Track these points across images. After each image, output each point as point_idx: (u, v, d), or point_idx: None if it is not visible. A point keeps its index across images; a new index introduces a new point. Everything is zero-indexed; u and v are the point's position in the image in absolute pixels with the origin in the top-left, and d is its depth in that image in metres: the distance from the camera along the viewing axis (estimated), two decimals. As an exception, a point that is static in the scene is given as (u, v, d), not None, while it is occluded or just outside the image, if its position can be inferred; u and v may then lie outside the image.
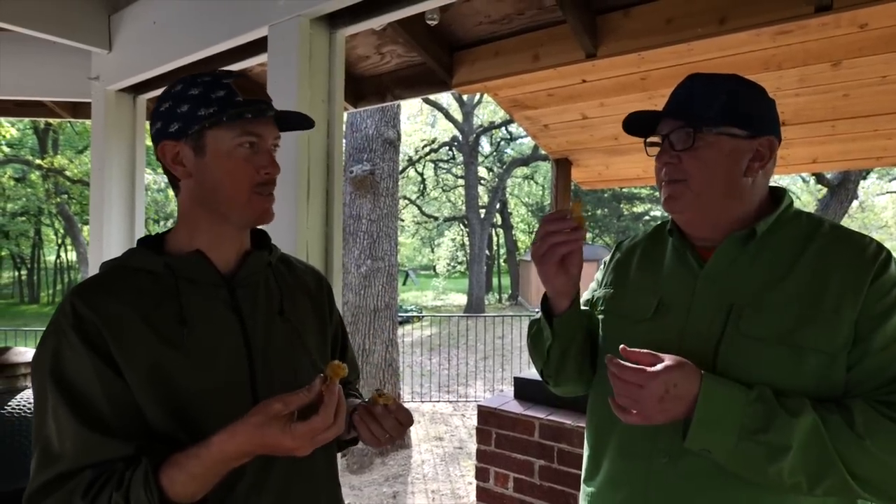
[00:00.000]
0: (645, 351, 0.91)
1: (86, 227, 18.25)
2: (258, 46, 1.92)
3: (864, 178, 14.40)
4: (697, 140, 0.95)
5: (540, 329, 1.12)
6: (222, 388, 0.86)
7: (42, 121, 14.83)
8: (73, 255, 25.43)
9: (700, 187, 0.96)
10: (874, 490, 0.82)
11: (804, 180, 16.55)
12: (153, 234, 0.98)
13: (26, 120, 14.17)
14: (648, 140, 1.05)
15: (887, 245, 0.94)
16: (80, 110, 3.27)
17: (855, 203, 15.47)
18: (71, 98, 2.93)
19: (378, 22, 1.77)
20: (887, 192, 21.24)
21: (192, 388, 0.84)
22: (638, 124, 1.05)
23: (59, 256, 29.08)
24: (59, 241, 28.01)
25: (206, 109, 0.87)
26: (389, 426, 0.96)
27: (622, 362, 0.91)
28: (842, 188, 9.80)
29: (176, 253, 0.93)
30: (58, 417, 0.79)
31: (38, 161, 16.25)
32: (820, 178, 10.50)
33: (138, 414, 0.82)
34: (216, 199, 0.91)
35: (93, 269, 2.65)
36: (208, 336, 0.88)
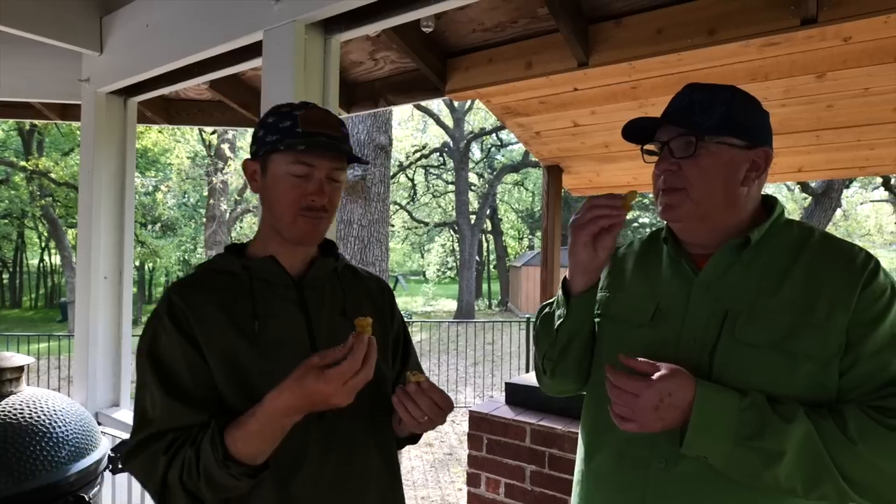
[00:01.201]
0: (643, 360, 0.92)
1: (70, 231, 18.01)
2: (253, 51, 1.92)
3: (847, 187, 14.66)
4: (699, 148, 0.96)
5: (551, 312, 1.13)
6: (286, 376, 0.92)
7: (27, 122, 14.64)
8: (57, 259, 25.03)
9: (699, 196, 0.97)
10: (868, 493, 0.84)
11: (789, 189, 16.78)
12: (240, 242, 1.14)
13: (10, 121, 13.99)
14: (645, 147, 1.06)
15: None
16: (69, 112, 3.24)
17: (839, 211, 15.72)
18: (60, 100, 2.90)
19: (373, 28, 1.78)
20: (870, 201, 21.59)
21: (260, 373, 0.96)
22: (635, 131, 1.05)
23: (42, 260, 28.65)
24: (43, 244, 27.61)
25: (273, 136, 1.01)
26: (425, 405, 0.98)
27: (618, 371, 0.93)
28: (826, 197, 9.96)
29: (253, 257, 1.07)
30: (151, 390, 0.95)
31: (22, 163, 16.02)
32: (805, 187, 10.67)
33: (215, 390, 0.96)
34: (273, 215, 1.04)
35: (78, 274, 2.64)
36: (277, 329, 1.01)
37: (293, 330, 1.02)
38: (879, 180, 14.22)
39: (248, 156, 1.08)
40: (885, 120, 2.81)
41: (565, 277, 1.11)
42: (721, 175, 0.97)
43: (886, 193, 16.65)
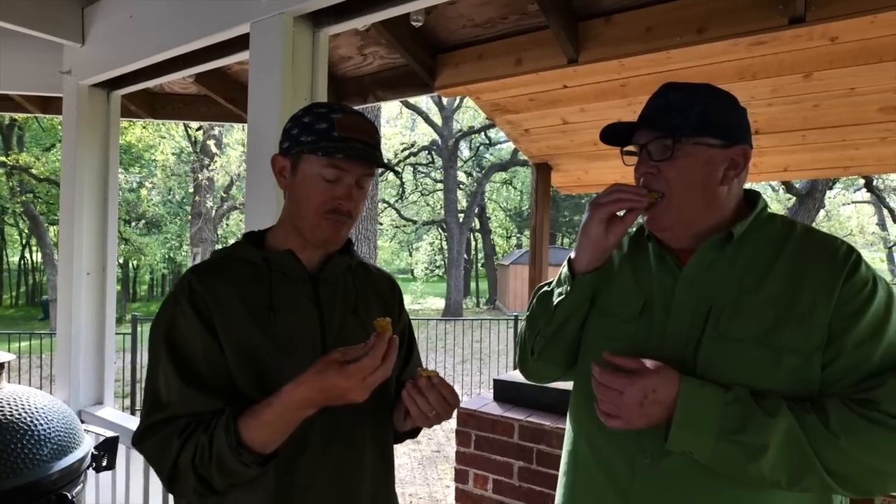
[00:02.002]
0: (628, 358, 0.93)
1: (52, 228, 17.72)
2: (239, 44, 1.90)
3: (831, 187, 14.88)
4: (676, 150, 0.97)
5: (550, 291, 1.12)
6: (298, 370, 0.93)
7: (7, 116, 14.36)
8: (38, 257, 24.63)
9: (679, 198, 0.98)
10: (850, 485, 0.85)
11: (773, 189, 17.00)
12: (258, 231, 1.14)
13: (-9, 115, 13.74)
14: (625, 149, 1.07)
15: (854, 251, 0.96)
16: (50, 105, 3.18)
17: (822, 212, 15.96)
18: (41, 92, 2.83)
19: (362, 22, 1.76)
20: (852, 202, 21.96)
21: (272, 365, 0.98)
22: (614, 134, 1.06)
23: (23, 257, 28.15)
24: (24, 241, 27.13)
25: (308, 137, 1.01)
26: (434, 399, 1.00)
27: (603, 369, 0.93)
28: (809, 197, 10.11)
29: (273, 249, 1.08)
30: (166, 373, 0.96)
31: (1, 158, 15.71)
32: (789, 188, 10.81)
33: (230, 377, 0.98)
34: (298, 214, 1.05)
35: (60, 270, 2.59)
36: (291, 323, 1.03)
37: (306, 325, 1.04)
38: (862, 181, 14.47)
39: (278, 151, 1.09)
40: (869, 120, 2.85)
41: (570, 256, 1.10)
42: (699, 175, 0.97)
43: (868, 194, 16.95)
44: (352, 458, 1.06)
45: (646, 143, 1.00)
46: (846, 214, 21.19)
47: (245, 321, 0.99)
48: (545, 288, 1.16)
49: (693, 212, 0.99)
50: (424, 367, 1.07)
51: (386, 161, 1.08)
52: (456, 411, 2.60)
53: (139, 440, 0.97)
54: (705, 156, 0.97)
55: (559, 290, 1.10)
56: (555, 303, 1.09)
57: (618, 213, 1.02)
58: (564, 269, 1.10)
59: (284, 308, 1.03)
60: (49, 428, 1.69)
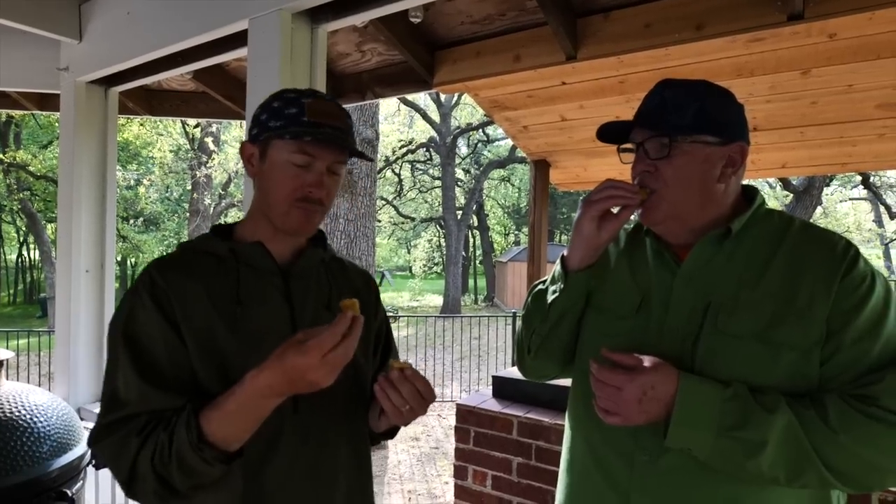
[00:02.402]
0: (626, 354, 0.93)
1: (50, 225, 17.65)
2: (238, 40, 1.89)
3: (828, 184, 14.91)
4: (673, 149, 0.96)
5: (545, 289, 1.12)
6: None
7: (4, 113, 14.30)
8: (36, 254, 24.58)
9: (675, 196, 0.97)
10: (849, 481, 0.85)
11: (771, 186, 17.02)
12: (226, 223, 1.10)
13: (-12, 112, 13.68)
14: (622, 147, 1.06)
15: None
16: (47, 102, 3.17)
17: (819, 209, 15.99)
18: (38, 89, 2.83)
19: (360, 18, 1.76)
20: (849, 199, 22.01)
21: (237, 361, 0.93)
22: (611, 132, 1.06)
23: (20, 255, 28.08)
24: (21, 239, 27.05)
25: (276, 122, 0.98)
26: (407, 392, 0.95)
27: (601, 365, 0.93)
28: (807, 194, 10.14)
29: (241, 241, 1.04)
30: (125, 369, 0.91)
31: (-1, 155, 15.66)
32: (786, 185, 10.84)
33: (192, 374, 0.93)
34: (267, 202, 1.01)
35: (58, 268, 2.59)
36: (259, 318, 0.98)
37: (276, 319, 0.99)
38: (859, 178, 14.48)
39: (246, 138, 1.05)
40: (867, 117, 2.85)
41: (563, 254, 1.10)
42: (697, 174, 0.97)
43: (865, 191, 16.98)
44: (325, 459, 1.02)
45: (642, 141, 1.00)
46: (843, 211, 21.24)
47: (210, 315, 0.95)
48: (540, 286, 1.15)
49: (688, 209, 0.99)
50: (411, 365, 1.02)
51: (361, 150, 1.06)
52: (455, 408, 2.61)
53: (95, 439, 0.91)
54: (702, 154, 0.96)
55: (553, 287, 1.10)
56: (549, 301, 1.09)
57: (612, 210, 1.01)
58: (558, 267, 1.10)
59: (252, 302, 0.98)
60: (48, 425, 1.69)
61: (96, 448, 0.91)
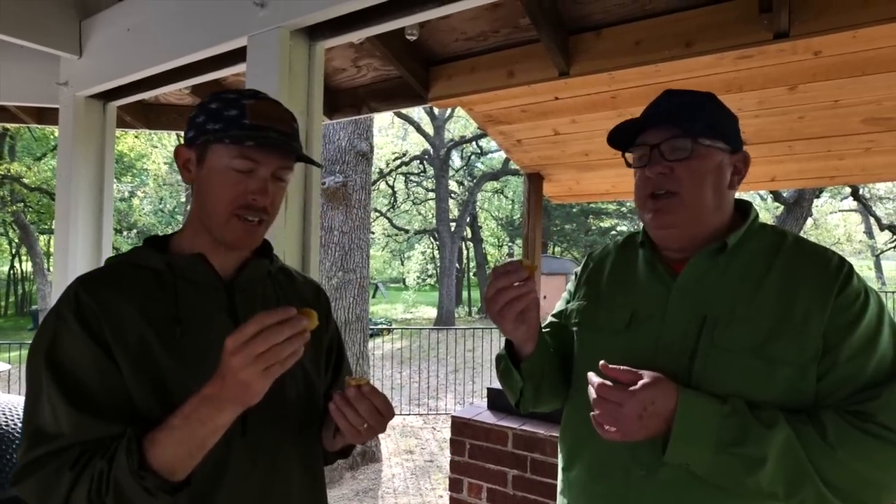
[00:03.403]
0: (624, 368, 0.92)
1: (42, 237, 17.55)
2: (236, 56, 1.92)
3: (818, 196, 15.07)
4: (694, 151, 0.96)
5: (509, 369, 1.12)
6: None
7: (1, 126, 14.26)
8: (28, 266, 24.36)
9: (691, 199, 0.97)
10: (846, 497, 0.85)
11: (762, 198, 17.19)
12: (161, 234, 1.02)
13: (-19, 125, 13.62)
14: (631, 149, 1.05)
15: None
16: (45, 116, 3.18)
17: (809, 220, 16.14)
18: (37, 103, 2.84)
19: (357, 36, 1.79)
20: (839, 211, 22.24)
21: (178, 383, 0.85)
22: (616, 138, 1.05)
23: (13, 267, 27.83)
24: (14, 251, 26.84)
25: (214, 125, 0.90)
26: (365, 411, 0.89)
27: (601, 381, 0.92)
28: (797, 206, 10.24)
29: (178, 253, 0.95)
30: (51, 398, 0.81)
31: (-8, 167, 15.59)
32: (777, 196, 10.95)
33: (128, 398, 0.84)
34: (205, 210, 0.93)
35: (54, 282, 2.58)
36: (201, 337, 0.90)
37: (219, 338, 0.85)
38: (848, 190, 14.66)
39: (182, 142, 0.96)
40: (853, 131, 2.91)
41: (508, 340, 1.10)
42: (711, 178, 0.97)
43: (855, 203, 17.16)
44: (276, 482, 0.94)
45: (658, 142, 0.98)
46: (834, 223, 21.45)
47: (144, 335, 0.85)
48: (504, 363, 1.13)
49: (703, 213, 0.98)
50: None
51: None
52: (451, 420, 2.61)
53: (19, 478, 0.81)
54: (717, 159, 0.97)
55: (515, 377, 1.11)
56: (518, 388, 1.11)
57: (518, 303, 0.99)
58: (506, 362, 1.11)
59: (193, 319, 0.90)
60: (44, 438, 1.68)
61: (20, 489, 0.81)
